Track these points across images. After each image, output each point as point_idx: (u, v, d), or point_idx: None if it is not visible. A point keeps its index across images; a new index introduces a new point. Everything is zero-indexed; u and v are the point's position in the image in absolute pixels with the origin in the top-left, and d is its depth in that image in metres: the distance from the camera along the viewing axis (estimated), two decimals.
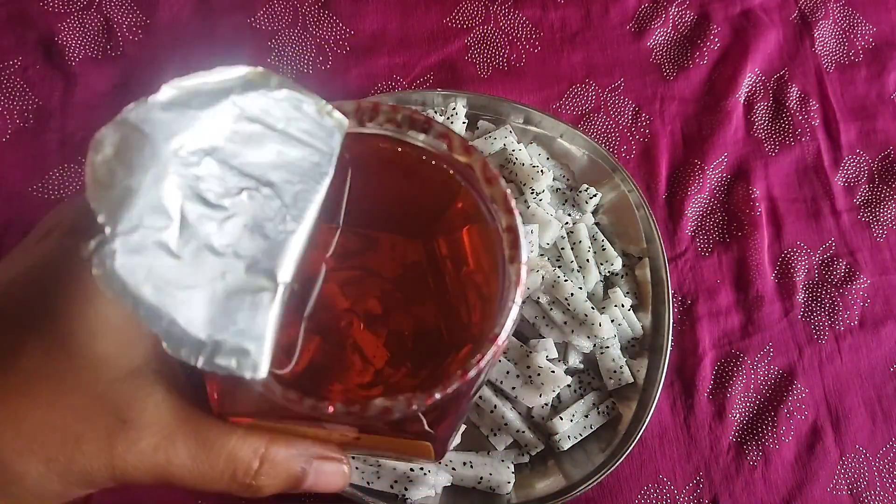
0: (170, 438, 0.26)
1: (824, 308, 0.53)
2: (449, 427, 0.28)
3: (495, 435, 0.47)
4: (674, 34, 0.60)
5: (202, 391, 0.26)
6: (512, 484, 0.45)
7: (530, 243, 0.47)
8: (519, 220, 0.26)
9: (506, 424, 0.46)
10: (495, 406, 0.46)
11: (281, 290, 0.22)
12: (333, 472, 0.30)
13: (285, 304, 0.22)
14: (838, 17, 0.62)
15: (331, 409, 0.23)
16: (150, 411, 0.25)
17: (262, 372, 0.21)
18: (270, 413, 0.26)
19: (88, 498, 0.44)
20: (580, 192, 0.51)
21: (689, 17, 0.61)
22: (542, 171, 0.50)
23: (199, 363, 0.20)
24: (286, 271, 0.22)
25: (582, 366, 0.49)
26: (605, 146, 0.56)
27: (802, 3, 0.62)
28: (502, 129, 0.52)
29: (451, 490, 0.45)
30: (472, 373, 0.24)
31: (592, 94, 0.58)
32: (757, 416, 0.50)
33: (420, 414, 0.26)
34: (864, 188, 0.57)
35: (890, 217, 0.56)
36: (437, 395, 0.23)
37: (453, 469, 0.45)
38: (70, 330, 0.24)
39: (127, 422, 0.25)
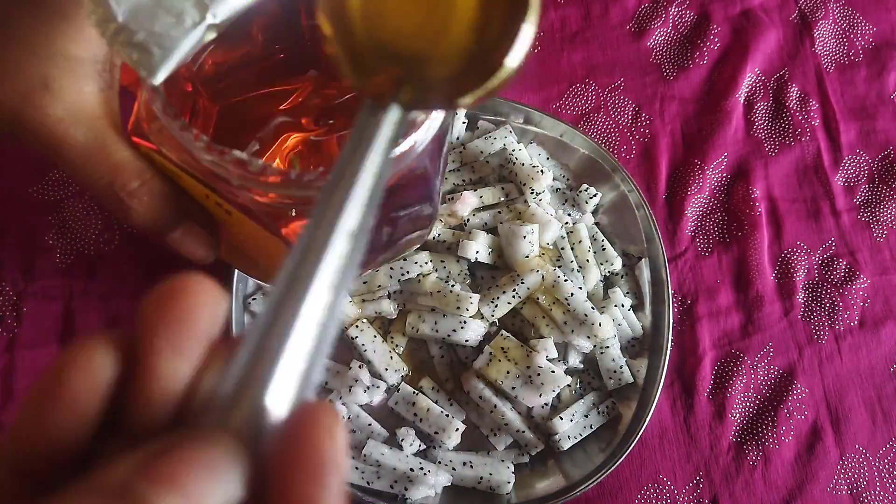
0: (76, 121, 0.28)
1: (824, 308, 0.53)
2: None
3: (495, 435, 0.47)
4: (674, 34, 0.60)
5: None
6: (512, 484, 0.45)
7: (530, 244, 0.47)
8: None
9: (506, 424, 0.46)
10: (495, 406, 0.46)
11: (204, 25, 0.24)
12: (200, 241, 0.32)
13: (204, 43, 0.24)
14: (838, 17, 0.62)
15: (226, 153, 0.24)
16: (74, 93, 0.28)
17: (156, 78, 0.23)
18: (168, 146, 0.28)
19: None
20: (580, 192, 0.51)
21: (689, 17, 0.61)
22: (542, 171, 0.50)
23: (107, 38, 0.23)
24: (219, 14, 0.24)
25: (582, 366, 0.49)
26: (605, 146, 0.56)
27: (802, 3, 0.62)
28: (502, 129, 0.52)
29: (451, 490, 0.45)
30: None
31: (592, 94, 0.58)
32: (757, 416, 0.50)
33: (294, 212, 0.27)
34: (864, 188, 0.57)
35: (890, 217, 0.56)
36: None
37: (453, 469, 0.45)
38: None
39: (50, 89, 0.27)
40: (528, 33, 0.23)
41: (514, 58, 0.23)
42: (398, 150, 0.25)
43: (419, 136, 0.26)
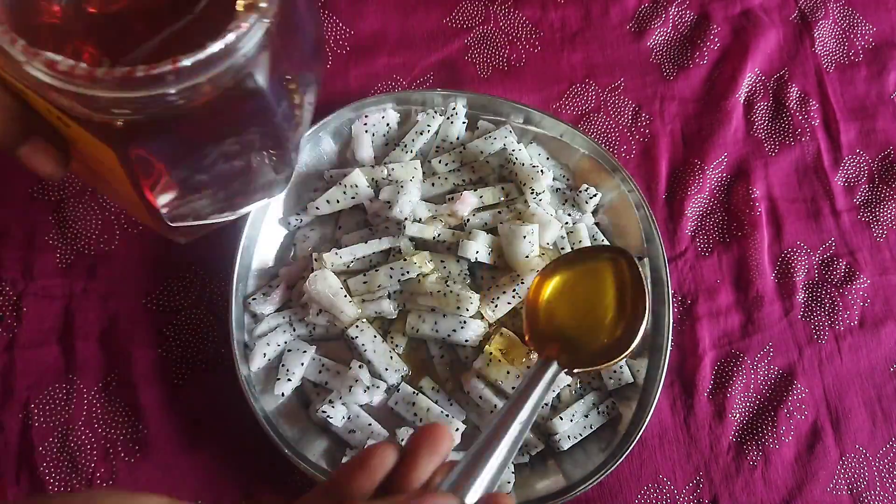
0: None
1: (824, 308, 0.53)
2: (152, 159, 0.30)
3: None
4: (674, 34, 0.60)
5: None
6: (512, 484, 0.45)
7: (531, 244, 0.47)
8: None
9: None
10: (495, 406, 0.46)
11: None
12: (48, 156, 0.33)
13: None
14: (838, 17, 0.62)
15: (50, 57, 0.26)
16: None
17: None
18: (6, 62, 0.28)
19: None
20: (580, 192, 0.51)
21: (689, 17, 0.61)
22: (542, 171, 0.50)
23: None
24: None
25: None
26: (605, 146, 0.56)
27: (802, 2, 0.62)
28: (502, 129, 0.52)
29: None
30: (169, 66, 0.26)
31: (592, 94, 0.58)
32: (757, 416, 0.50)
33: (121, 119, 0.28)
34: (864, 188, 0.57)
35: (890, 217, 0.56)
36: (140, 73, 0.26)
37: None
38: None
39: None
40: (639, 337, 0.44)
41: (627, 349, 0.43)
42: (210, 51, 0.26)
43: (230, 39, 0.27)
